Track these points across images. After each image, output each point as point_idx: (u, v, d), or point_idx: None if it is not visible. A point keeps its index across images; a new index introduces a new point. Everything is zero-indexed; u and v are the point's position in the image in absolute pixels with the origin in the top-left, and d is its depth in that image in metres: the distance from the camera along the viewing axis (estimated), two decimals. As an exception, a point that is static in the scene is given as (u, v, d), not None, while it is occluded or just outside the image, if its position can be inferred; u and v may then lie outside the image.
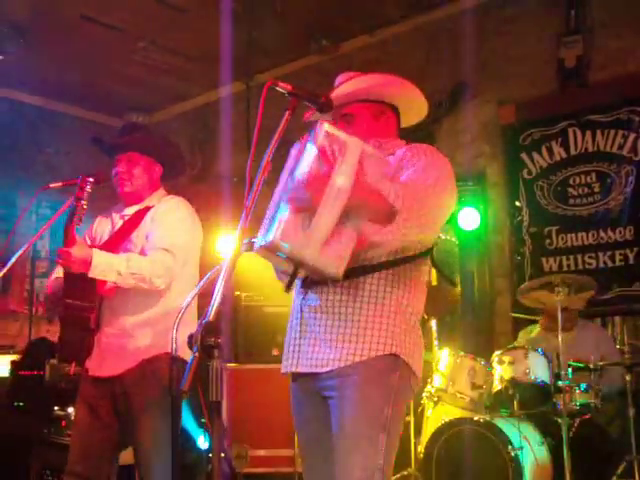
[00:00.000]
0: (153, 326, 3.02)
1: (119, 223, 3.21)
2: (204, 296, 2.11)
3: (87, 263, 2.84)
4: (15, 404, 4.87)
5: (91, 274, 2.87)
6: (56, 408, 4.46)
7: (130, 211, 3.21)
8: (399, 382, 2.14)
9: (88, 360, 3.10)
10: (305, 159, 2.00)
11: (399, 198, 2.00)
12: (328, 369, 2.15)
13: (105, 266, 2.88)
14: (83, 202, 2.89)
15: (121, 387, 3.00)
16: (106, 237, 3.21)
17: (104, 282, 2.99)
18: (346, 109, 2.37)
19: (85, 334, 3.04)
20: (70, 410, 4.36)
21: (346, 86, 2.33)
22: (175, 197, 3.27)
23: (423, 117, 2.51)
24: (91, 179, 2.92)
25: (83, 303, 2.99)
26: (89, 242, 3.25)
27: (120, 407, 3.01)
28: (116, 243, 3.11)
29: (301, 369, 2.24)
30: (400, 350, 2.15)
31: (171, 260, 2.98)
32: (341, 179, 1.92)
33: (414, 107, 2.46)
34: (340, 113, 2.36)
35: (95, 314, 3.03)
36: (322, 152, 1.94)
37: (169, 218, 3.11)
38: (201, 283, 2.13)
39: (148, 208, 3.17)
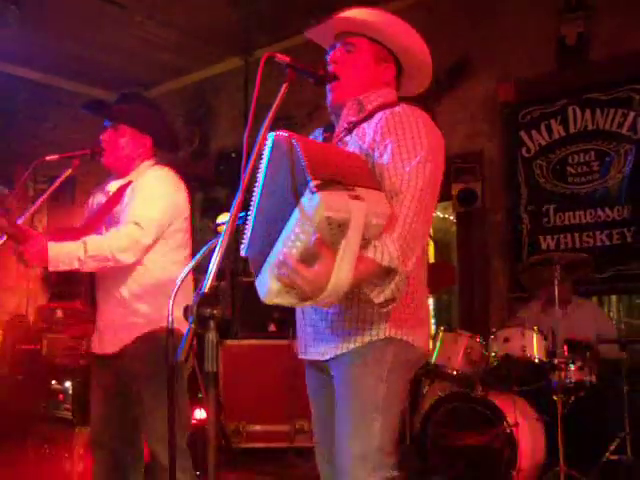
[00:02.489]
0: (146, 300, 2.99)
1: (103, 200, 3.14)
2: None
3: (44, 258, 2.77)
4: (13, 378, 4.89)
5: (50, 268, 2.79)
6: (53, 382, 4.46)
7: (113, 187, 3.14)
8: (393, 358, 2.10)
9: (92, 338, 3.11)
10: (296, 238, 1.83)
11: (394, 259, 1.88)
12: (328, 357, 2.15)
13: (63, 256, 2.80)
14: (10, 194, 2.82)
15: (121, 363, 3.00)
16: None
17: None
18: (352, 39, 2.24)
19: (84, 314, 3.05)
20: (67, 384, 4.37)
21: (360, 12, 2.20)
22: (157, 168, 3.15)
23: (424, 87, 2.39)
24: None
25: (69, 290, 2.97)
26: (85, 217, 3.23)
27: (124, 382, 3.02)
28: (97, 221, 3.05)
29: (309, 357, 2.24)
30: (395, 331, 2.10)
31: (138, 232, 2.89)
32: (343, 275, 1.81)
33: (418, 70, 2.33)
34: (344, 40, 2.25)
35: (83, 298, 3.02)
36: (319, 243, 1.80)
37: (142, 190, 3.02)
38: (197, 257, 2.12)
39: (130, 183, 3.09)
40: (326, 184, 1.76)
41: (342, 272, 1.80)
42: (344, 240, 1.78)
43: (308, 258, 1.81)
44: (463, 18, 6.11)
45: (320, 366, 2.23)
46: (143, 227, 2.91)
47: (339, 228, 1.77)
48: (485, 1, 6.05)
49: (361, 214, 1.79)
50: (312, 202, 1.75)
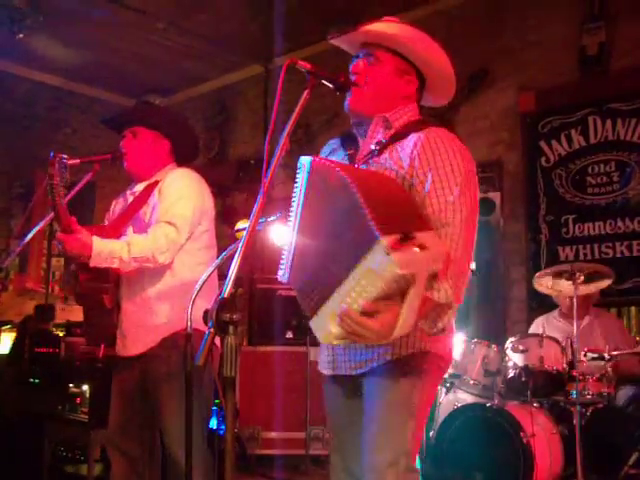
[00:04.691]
0: (171, 301, 2.98)
1: (130, 200, 3.15)
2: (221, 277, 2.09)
3: (86, 251, 2.77)
4: (30, 381, 4.91)
5: (91, 263, 2.79)
6: (71, 385, 4.48)
7: (140, 187, 3.15)
8: (427, 367, 2.14)
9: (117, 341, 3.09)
10: (362, 290, 1.82)
11: (450, 296, 1.93)
12: (362, 371, 2.16)
13: (106, 254, 2.80)
14: (57, 180, 2.71)
15: (144, 365, 2.99)
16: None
17: None
18: (374, 51, 2.24)
19: (107, 315, 3.02)
20: (85, 387, 4.38)
21: (383, 25, 2.21)
22: (182, 169, 3.17)
23: (448, 99, 2.37)
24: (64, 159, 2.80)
25: (97, 284, 2.97)
26: (107, 223, 3.24)
27: (145, 384, 3.01)
28: (124, 221, 3.05)
29: (338, 372, 2.24)
30: (430, 345, 2.12)
31: (174, 232, 2.90)
32: (407, 322, 1.83)
33: (440, 83, 2.32)
34: (367, 51, 2.24)
35: (110, 294, 3.01)
36: (385, 296, 1.81)
37: (172, 189, 3.02)
38: (217, 261, 2.13)
39: (157, 182, 3.09)
40: (396, 242, 1.75)
41: (407, 320, 1.83)
42: (412, 289, 1.80)
43: (372, 311, 1.83)
44: (484, 27, 6.11)
45: (344, 380, 2.23)
46: (178, 227, 2.91)
47: (407, 280, 1.79)
48: (506, 10, 6.04)
49: (427, 264, 1.83)
50: (384, 261, 1.74)
